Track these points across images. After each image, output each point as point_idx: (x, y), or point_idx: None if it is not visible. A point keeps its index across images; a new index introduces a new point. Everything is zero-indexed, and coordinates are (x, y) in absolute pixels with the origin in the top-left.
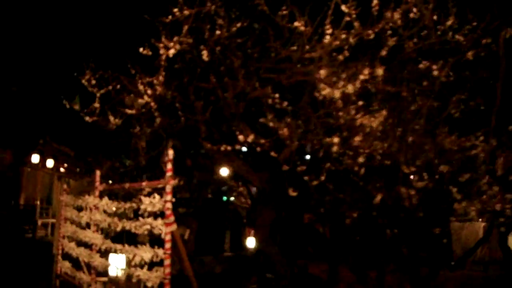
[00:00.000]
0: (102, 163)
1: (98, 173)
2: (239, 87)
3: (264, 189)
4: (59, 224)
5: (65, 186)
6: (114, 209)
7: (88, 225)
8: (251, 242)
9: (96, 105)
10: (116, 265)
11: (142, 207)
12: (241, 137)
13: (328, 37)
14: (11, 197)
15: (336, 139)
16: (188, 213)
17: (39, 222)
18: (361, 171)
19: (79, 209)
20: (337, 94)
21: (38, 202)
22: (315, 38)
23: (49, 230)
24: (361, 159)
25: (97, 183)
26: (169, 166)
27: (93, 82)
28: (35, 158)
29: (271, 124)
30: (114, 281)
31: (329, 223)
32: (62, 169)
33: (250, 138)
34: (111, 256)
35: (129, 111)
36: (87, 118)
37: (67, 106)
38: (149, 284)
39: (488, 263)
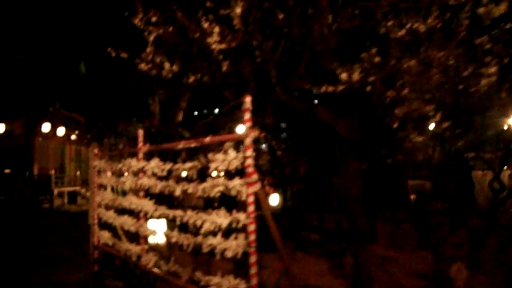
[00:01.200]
0: (114, 128)
1: (141, 133)
2: (326, 18)
3: (351, 137)
4: (93, 192)
5: (96, 150)
6: (165, 171)
7: (133, 191)
8: (274, 200)
9: (149, 49)
10: (160, 230)
11: (213, 165)
12: (344, 76)
13: None
14: (24, 167)
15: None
16: None
17: (55, 191)
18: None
19: (119, 174)
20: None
21: (53, 172)
22: None
23: (65, 199)
24: None
25: (140, 144)
26: (248, 115)
27: (153, 20)
28: (46, 127)
29: (376, 59)
30: (155, 248)
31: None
32: (73, 137)
33: (355, 75)
34: (151, 222)
35: (216, 47)
36: (141, 66)
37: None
38: (228, 253)
39: None
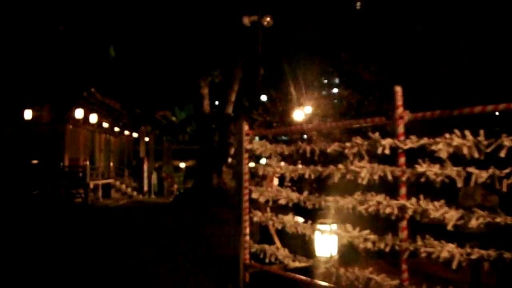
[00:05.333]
0: (152, 115)
1: (399, 90)
2: None
3: None
4: (245, 187)
5: (246, 128)
6: None
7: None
8: None
9: None
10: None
11: None
12: None
13: None
14: (54, 158)
15: None
16: None
17: (91, 185)
18: None
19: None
20: None
21: (88, 163)
22: None
23: (100, 193)
24: None
25: (399, 110)
26: None
27: None
28: (79, 113)
29: None
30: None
31: None
32: (105, 124)
33: None
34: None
35: None
36: None
37: None
38: None
39: None
